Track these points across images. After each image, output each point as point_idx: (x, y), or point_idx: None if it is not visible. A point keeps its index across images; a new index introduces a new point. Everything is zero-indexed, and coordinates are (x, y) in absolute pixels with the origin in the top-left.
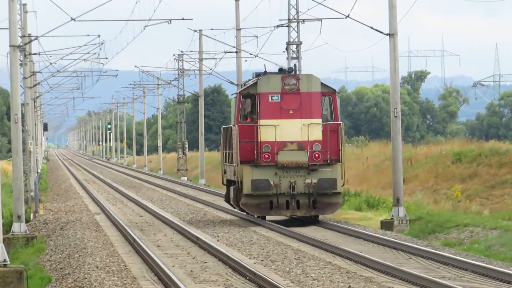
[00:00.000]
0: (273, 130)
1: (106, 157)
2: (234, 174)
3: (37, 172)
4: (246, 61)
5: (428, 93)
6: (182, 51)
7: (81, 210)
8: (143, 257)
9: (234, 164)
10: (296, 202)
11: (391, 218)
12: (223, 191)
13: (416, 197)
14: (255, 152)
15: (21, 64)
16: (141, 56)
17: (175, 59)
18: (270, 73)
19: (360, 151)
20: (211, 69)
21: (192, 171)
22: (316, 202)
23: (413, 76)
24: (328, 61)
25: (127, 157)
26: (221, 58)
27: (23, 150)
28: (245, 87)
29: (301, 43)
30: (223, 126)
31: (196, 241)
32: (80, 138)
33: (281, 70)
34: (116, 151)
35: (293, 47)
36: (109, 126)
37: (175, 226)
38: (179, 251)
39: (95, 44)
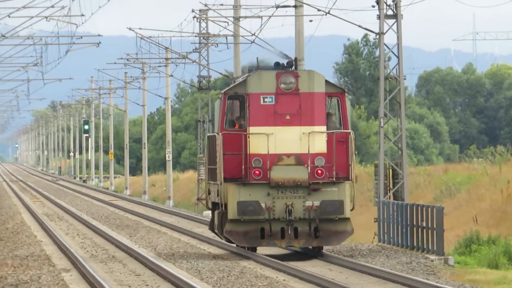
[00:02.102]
0: (266, 140)
1: (80, 178)
2: (218, 195)
3: None
4: (311, 21)
5: None
6: (206, 5)
7: (39, 264)
8: None
9: (218, 182)
10: (293, 230)
11: None
12: None
13: None
14: (243, 167)
15: None
16: (138, 14)
17: (194, 17)
18: (263, 68)
19: (498, 170)
20: (253, 34)
21: None
22: (319, 230)
23: None
24: (446, 23)
25: (115, 177)
26: (269, 17)
27: None
28: (232, 85)
29: None
30: (208, 135)
31: None
32: (39, 146)
33: (277, 65)
34: (97, 167)
35: None
36: (86, 127)
37: None
38: None
39: None
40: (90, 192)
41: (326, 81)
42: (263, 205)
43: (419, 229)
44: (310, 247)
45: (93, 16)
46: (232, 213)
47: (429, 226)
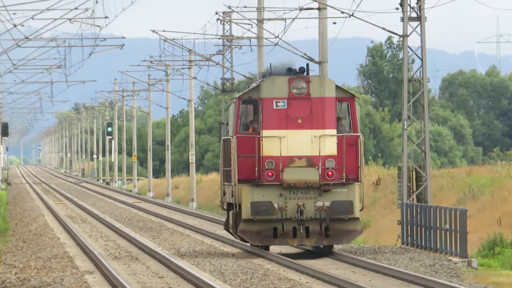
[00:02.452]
0: (278, 142)
1: (104, 180)
2: (232, 196)
3: None
4: (334, 23)
5: None
6: (230, 7)
7: (62, 266)
8: None
9: (232, 184)
10: (305, 229)
11: None
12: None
13: None
14: (256, 168)
15: None
16: (162, 16)
17: (218, 20)
18: (276, 73)
19: None
20: (277, 36)
21: None
22: (329, 230)
23: None
24: (470, 26)
25: (138, 179)
26: (293, 20)
27: None
28: (245, 90)
29: None
30: (223, 138)
31: None
32: (62, 148)
33: (289, 71)
34: (120, 170)
35: (412, 0)
36: (109, 129)
37: None
38: None
39: None
40: (113, 194)
41: (337, 86)
42: (275, 205)
43: (443, 232)
44: (321, 246)
45: (116, 18)
46: (245, 213)
47: (453, 228)
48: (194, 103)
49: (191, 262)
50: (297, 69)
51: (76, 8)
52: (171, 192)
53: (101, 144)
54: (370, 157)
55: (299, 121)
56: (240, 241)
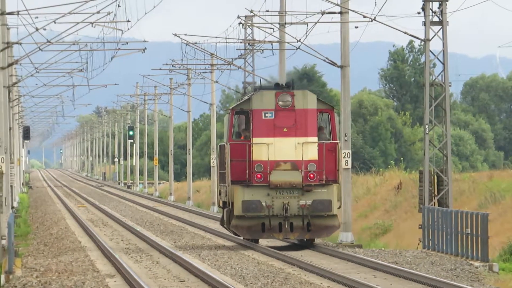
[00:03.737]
0: (266, 148)
1: (125, 184)
2: (226, 195)
3: (12, 208)
4: (356, 27)
5: None
6: (252, 11)
7: (83, 270)
8: None
9: (226, 185)
10: (289, 225)
11: None
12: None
13: None
14: (247, 171)
15: None
16: (184, 20)
17: (240, 24)
18: (265, 87)
19: None
20: (299, 40)
21: None
22: (311, 225)
23: None
24: (491, 30)
25: (159, 183)
26: (315, 24)
27: None
28: (238, 103)
29: None
30: (219, 144)
31: None
32: (83, 152)
33: (277, 85)
34: (141, 173)
35: (434, 5)
36: (131, 133)
37: None
38: None
39: None
40: (134, 198)
41: (318, 99)
42: (263, 203)
43: (464, 236)
44: (304, 239)
45: (138, 22)
46: (237, 210)
47: (474, 232)
48: (216, 107)
49: (212, 266)
50: (284, 84)
51: (98, 12)
52: (192, 195)
53: (123, 147)
54: (391, 161)
55: (285, 129)
56: (233, 235)
